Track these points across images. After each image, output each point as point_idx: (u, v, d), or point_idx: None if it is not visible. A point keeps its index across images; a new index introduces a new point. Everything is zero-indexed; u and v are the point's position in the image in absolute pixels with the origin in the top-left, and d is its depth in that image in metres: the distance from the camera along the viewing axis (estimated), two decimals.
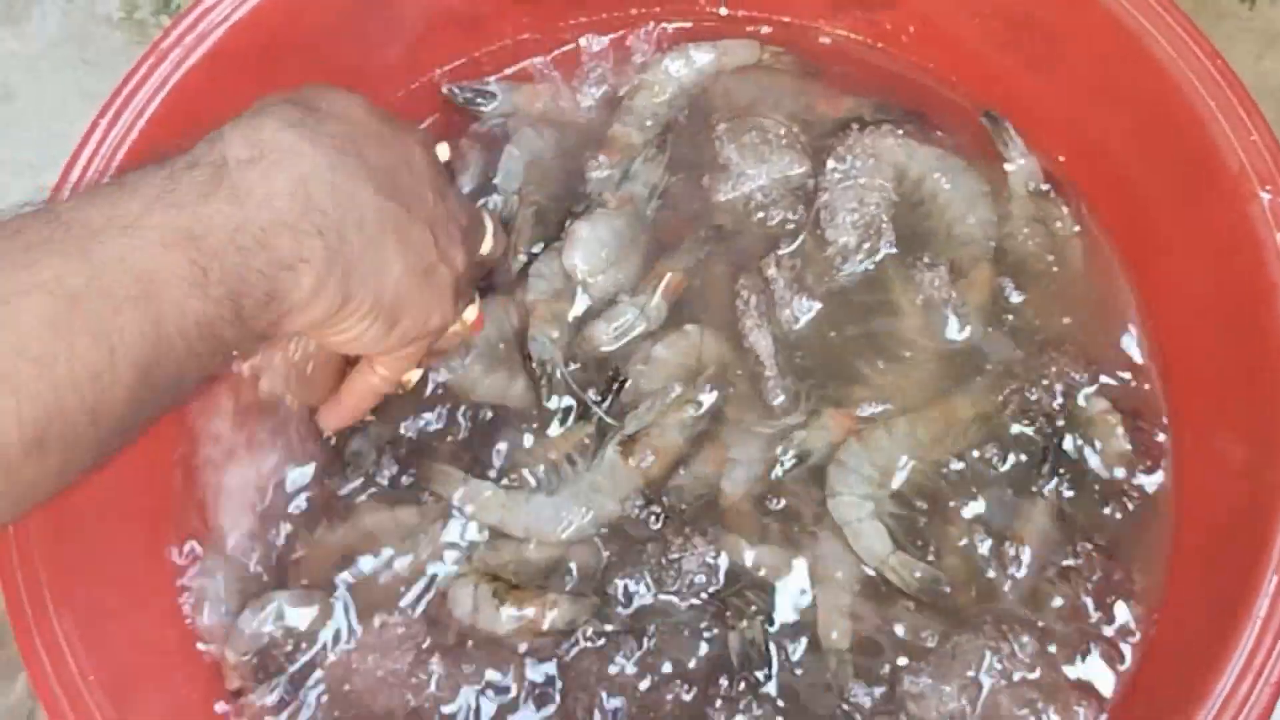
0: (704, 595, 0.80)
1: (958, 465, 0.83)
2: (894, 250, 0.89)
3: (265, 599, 0.81)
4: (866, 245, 0.89)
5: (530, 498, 0.82)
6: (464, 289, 0.77)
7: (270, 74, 0.85)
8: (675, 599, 0.80)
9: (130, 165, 0.77)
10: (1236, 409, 0.79)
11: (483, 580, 0.80)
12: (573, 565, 0.81)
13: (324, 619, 0.81)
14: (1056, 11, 0.86)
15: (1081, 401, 0.85)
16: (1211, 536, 0.79)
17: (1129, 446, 0.83)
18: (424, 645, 0.79)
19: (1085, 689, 0.78)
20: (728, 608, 0.79)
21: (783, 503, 0.83)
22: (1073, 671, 0.78)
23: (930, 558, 0.81)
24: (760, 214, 0.91)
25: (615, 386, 0.85)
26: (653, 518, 0.82)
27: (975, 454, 0.84)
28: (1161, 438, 0.84)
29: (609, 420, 0.84)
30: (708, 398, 0.85)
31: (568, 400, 0.85)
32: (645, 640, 0.79)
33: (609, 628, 0.79)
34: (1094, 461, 0.83)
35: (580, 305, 0.88)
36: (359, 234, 0.66)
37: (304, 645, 0.80)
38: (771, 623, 0.79)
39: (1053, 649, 0.78)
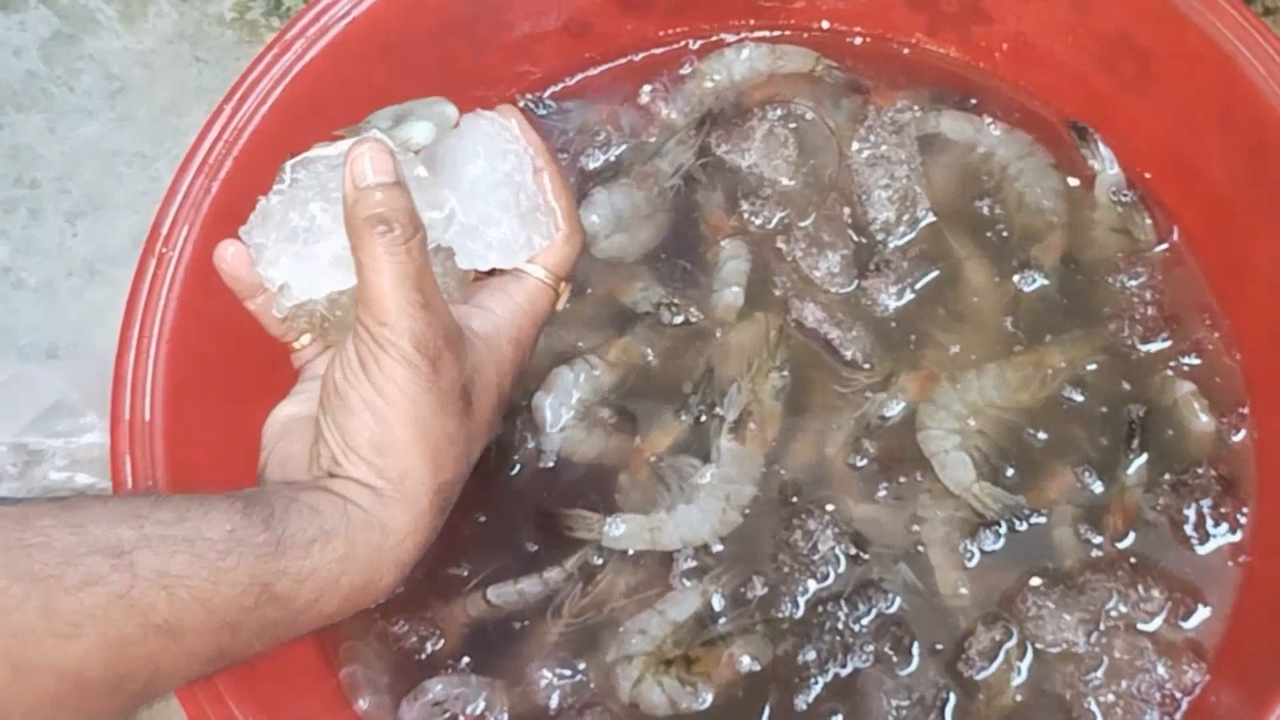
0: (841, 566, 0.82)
1: (1045, 408, 0.86)
2: (933, 218, 0.92)
3: (419, 690, 0.81)
4: (906, 216, 0.91)
5: (672, 510, 0.84)
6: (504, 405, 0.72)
7: (385, 69, 0.88)
8: (813, 580, 0.82)
9: (255, 150, 0.81)
10: None
11: (659, 670, 0.80)
12: (715, 599, 0.82)
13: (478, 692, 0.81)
14: (1151, 32, 0.88)
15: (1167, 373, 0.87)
16: None
17: (1211, 424, 0.85)
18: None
19: (1196, 648, 0.79)
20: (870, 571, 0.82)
21: (878, 462, 0.85)
22: (1185, 626, 0.80)
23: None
24: (756, 219, 0.93)
25: (708, 380, 0.87)
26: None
27: (1066, 395, 0.86)
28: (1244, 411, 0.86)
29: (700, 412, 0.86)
30: (782, 357, 0.88)
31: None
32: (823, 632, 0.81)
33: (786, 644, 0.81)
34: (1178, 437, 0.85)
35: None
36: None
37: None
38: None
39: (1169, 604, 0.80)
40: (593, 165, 0.96)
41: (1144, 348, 0.88)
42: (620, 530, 0.84)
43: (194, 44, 1.18)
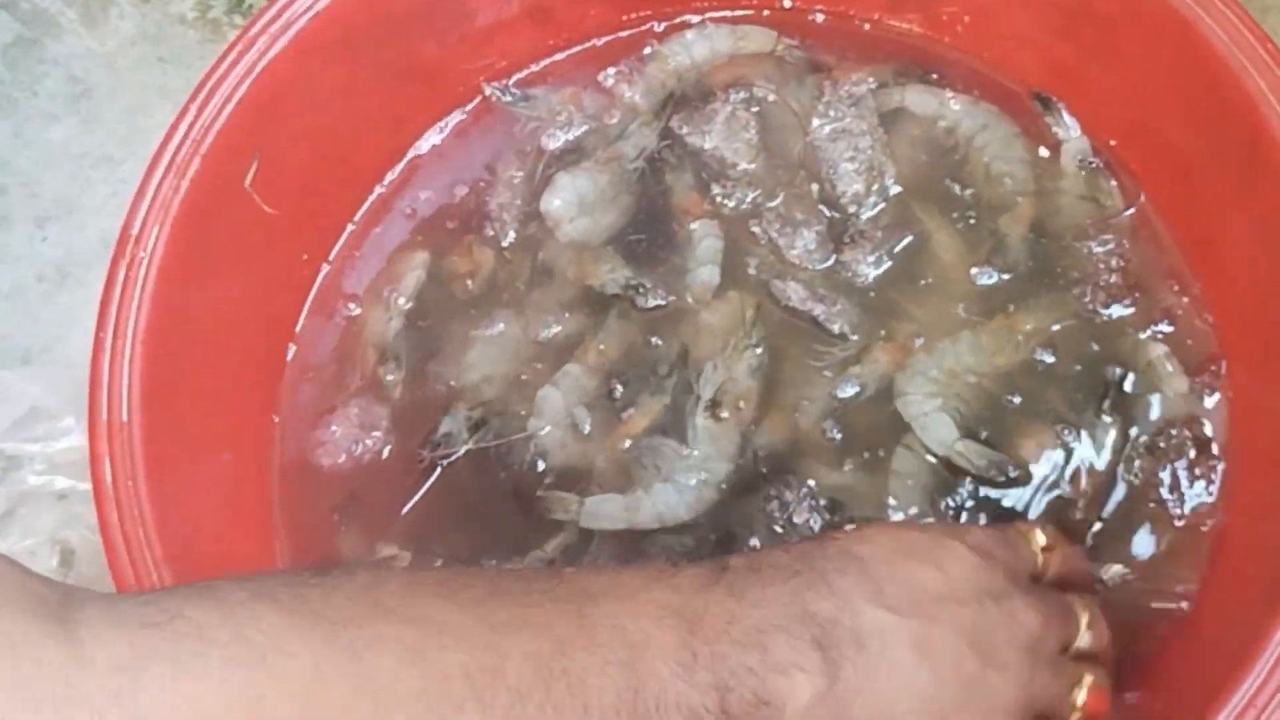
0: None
1: (1020, 372, 0.86)
2: (900, 188, 0.92)
3: None
4: (875, 187, 0.92)
5: (649, 490, 0.84)
6: (1050, 687, 0.67)
7: (350, 63, 0.89)
8: None
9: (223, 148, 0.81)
10: None
11: None
12: None
13: None
14: (1111, 0, 0.88)
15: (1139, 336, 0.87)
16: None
17: (1185, 384, 0.86)
18: None
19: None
20: None
21: (850, 432, 0.85)
22: None
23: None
24: (729, 201, 0.94)
25: (683, 358, 0.88)
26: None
27: (1038, 358, 0.87)
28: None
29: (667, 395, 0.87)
30: (758, 334, 0.88)
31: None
32: None
33: None
34: (1153, 401, 0.86)
35: None
36: (859, 653, 0.61)
37: None
38: None
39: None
40: (554, 146, 0.96)
41: (1105, 312, 0.88)
42: (597, 510, 0.84)
43: (156, 45, 1.18)
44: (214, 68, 0.84)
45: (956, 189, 0.93)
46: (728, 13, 1.00)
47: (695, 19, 1.00)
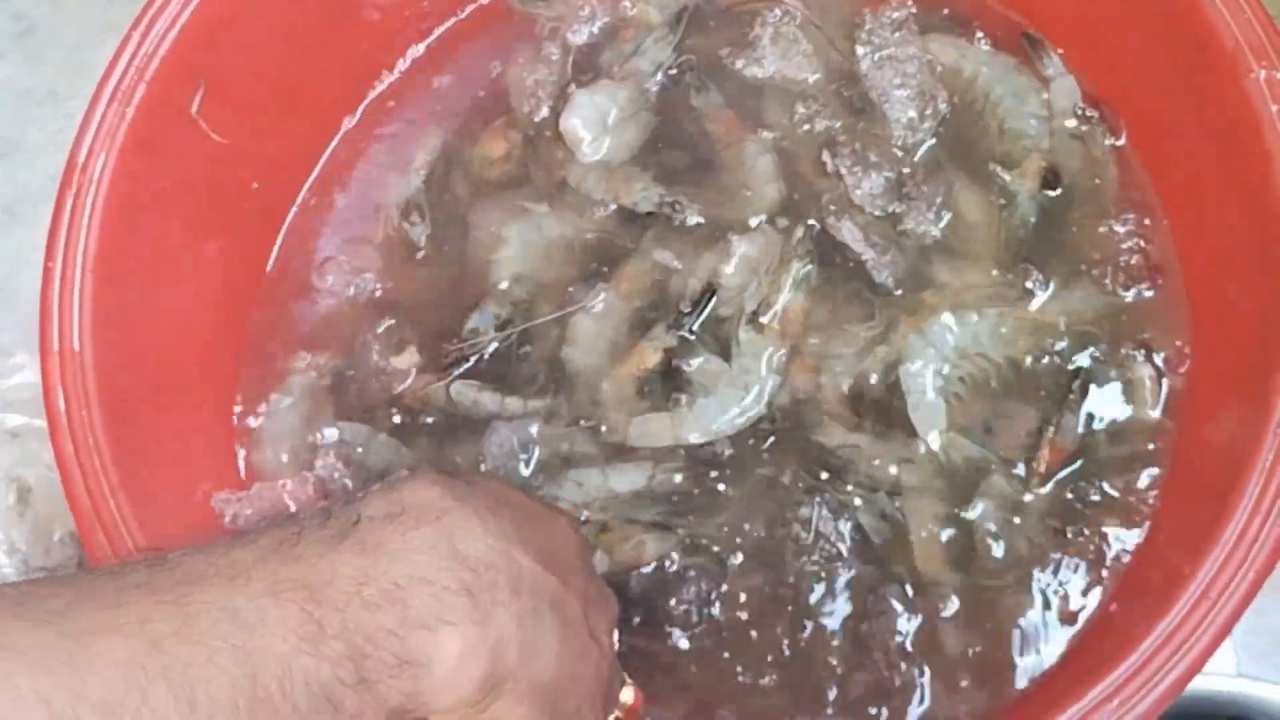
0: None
1: (1032, 365, 0.85)
2: (948, 113, 0.91)
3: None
4: (929, 111, 0.90)
5: (692, 406, 0.84)
6: (616, 672, 0.70)
7: None
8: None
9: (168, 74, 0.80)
10: (1246, 271, 0.80)
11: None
12: (660, 483, 0.83)
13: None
14: None
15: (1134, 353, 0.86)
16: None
17: (1158, 414, 0.84)
18: None
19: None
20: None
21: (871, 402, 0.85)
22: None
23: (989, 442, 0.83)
24: (807, 125, 0.92)
25: (707, 299, 0.87)
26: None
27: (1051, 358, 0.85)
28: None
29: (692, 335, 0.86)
30: (804, 249, 0.87)
31: None
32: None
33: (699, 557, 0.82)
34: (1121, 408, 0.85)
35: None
36: (514, 599, 0.59)
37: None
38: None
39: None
40: (579, 40, 0.96)
41: (1125, 294, 0.87)
42: (644, 429, 0.84)
43: None
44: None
45: (978, 141, 0.92)
46: None
47: None
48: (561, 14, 0.97)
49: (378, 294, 0.92)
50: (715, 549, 0.82)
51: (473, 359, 0.87)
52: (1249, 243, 0.79)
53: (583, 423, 0.86)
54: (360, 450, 0.86)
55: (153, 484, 0.77)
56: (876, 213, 0.89)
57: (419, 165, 0.94)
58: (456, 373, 0.87)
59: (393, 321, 0.90)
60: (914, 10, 0.93)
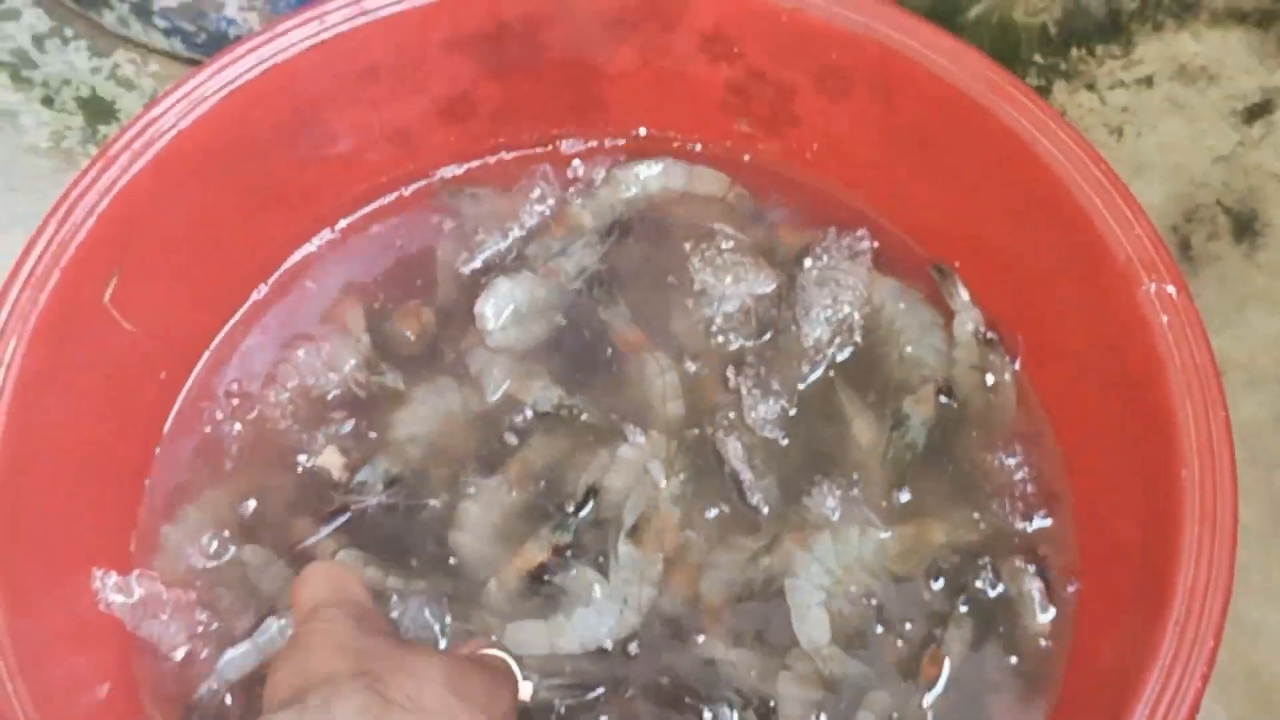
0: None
1: (914, 582, 0.87)
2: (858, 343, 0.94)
3: None
4: (838, 339, 0.94)
5: (570, 615, 0.84)
6: None
7: (217, 181, 0.89)
8: None
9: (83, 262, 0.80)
10: (1130, 484, 0.82)
11: None
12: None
13: None
14: (947, 124, 0.91)
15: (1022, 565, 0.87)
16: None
17: (1048, 625, 0.86)
18: None
19: None
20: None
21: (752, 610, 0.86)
22: None
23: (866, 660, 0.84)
24: (720, 338, 0.95)
25: (588, 499, 0.88)
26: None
27: (937, 578, 0.87)
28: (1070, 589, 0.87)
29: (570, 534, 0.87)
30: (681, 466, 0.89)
31: None
32: None
33: None
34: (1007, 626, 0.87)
35: None
36: None
37: None
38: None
39: None
40: (500, 247, 0.99)
41: (1022, 525, 0.89)
42: (518, 636, 0.84)
43: (8, 174, 1.17)
44: (75, 183, 0.83)
45: (875, 369, 0.95)
46: (579, 142, 1.03)
47: (541, 150, 1.03)
48: (484, 215, 0.99)
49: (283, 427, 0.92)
50: None
51: (352, 510, 0.88)
52: (1135, 461, 0.82)
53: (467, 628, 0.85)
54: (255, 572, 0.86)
55: (50, 678, 0.75)
56: (766, 434, 0.91)
57: (356, 324, 0.96)
58: (336, 523, 0.88)
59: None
60: (877, 245, 0.96)
